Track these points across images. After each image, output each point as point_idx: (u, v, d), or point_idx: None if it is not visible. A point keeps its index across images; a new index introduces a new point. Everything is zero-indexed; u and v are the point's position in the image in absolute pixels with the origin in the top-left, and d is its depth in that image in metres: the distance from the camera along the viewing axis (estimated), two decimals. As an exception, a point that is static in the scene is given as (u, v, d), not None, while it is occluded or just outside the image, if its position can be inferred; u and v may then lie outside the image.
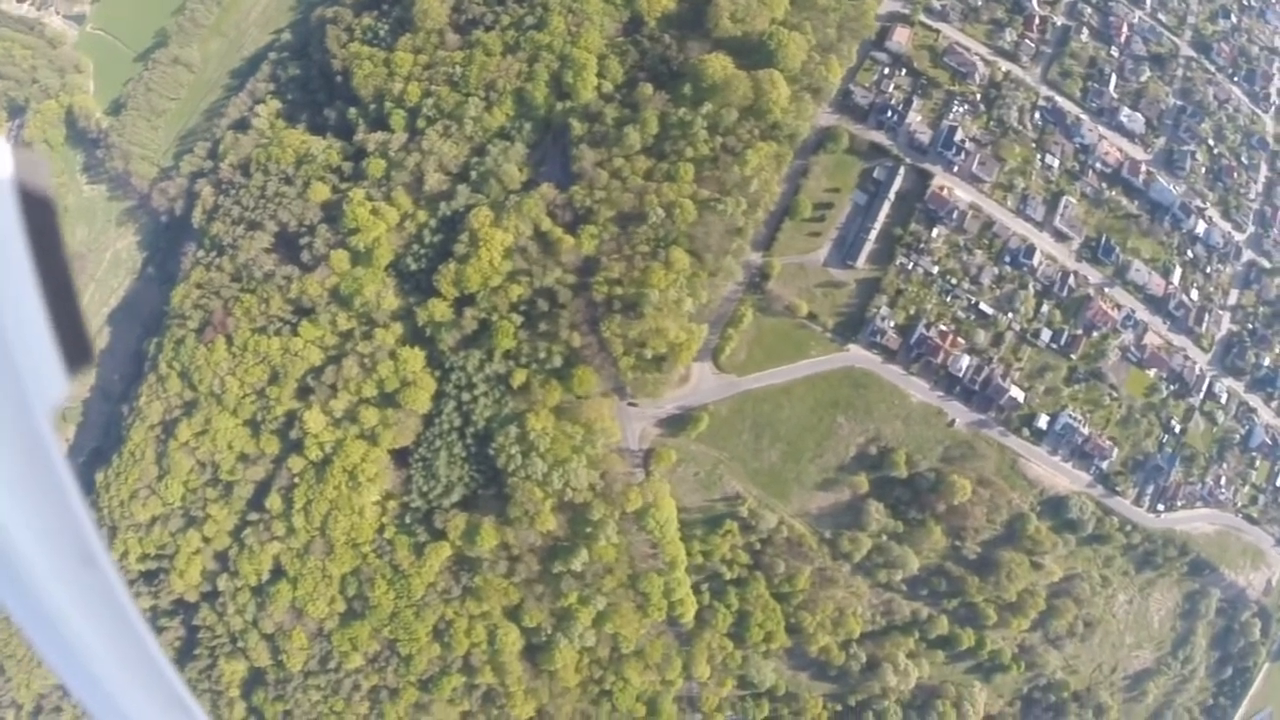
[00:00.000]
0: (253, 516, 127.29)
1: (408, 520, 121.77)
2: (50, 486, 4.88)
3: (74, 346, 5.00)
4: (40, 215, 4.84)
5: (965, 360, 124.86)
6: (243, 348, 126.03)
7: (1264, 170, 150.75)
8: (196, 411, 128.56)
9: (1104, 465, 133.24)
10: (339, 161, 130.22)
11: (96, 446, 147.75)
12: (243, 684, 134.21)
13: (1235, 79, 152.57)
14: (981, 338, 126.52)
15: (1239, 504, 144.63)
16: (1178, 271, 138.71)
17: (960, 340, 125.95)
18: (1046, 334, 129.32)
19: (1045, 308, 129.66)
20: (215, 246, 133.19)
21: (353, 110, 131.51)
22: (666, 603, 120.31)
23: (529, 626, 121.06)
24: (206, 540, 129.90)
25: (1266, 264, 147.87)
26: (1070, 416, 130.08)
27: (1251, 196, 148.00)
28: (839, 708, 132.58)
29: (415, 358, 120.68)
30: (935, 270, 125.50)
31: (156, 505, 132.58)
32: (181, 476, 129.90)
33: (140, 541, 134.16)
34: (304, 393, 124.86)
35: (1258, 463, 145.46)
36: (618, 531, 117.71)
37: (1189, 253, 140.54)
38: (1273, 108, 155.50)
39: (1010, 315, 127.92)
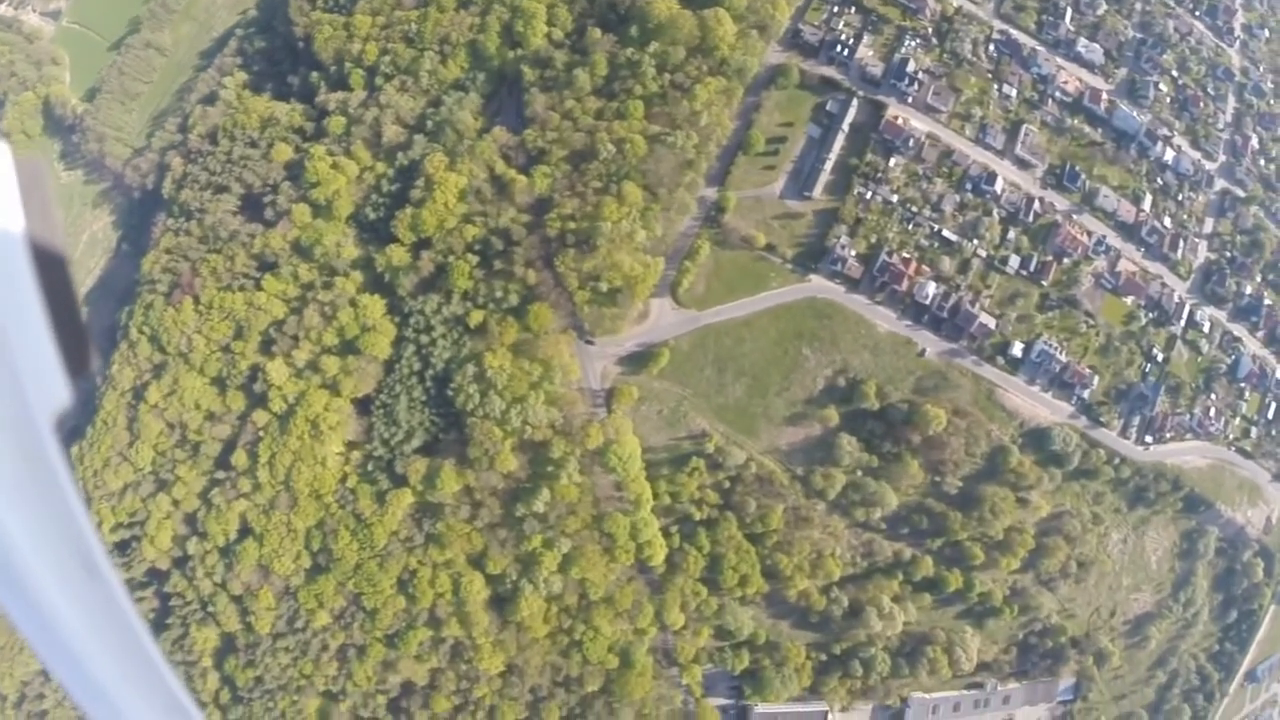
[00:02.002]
0: (220, 475, 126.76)
1: (370, 468, 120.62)
2: (53, 494, 4.91)
3: (74, 352, 5.08)
4: (41, 223, 4.95)
5: (931, 288, 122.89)
6: (209, 306, 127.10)
7: (1232, 101, 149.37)
8: (165, 373, 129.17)
9: (1085, 395, 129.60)
10: (302, 122, 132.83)
11: (74, 425, 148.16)
12: (215, 653, 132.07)
13: (1196, 14, 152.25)
14: (947, 265, 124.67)
15: (1231, 436, 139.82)
16: (1148, 198, 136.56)
17: (925, 268, 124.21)
18: (1015, 260, 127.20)
19: (1011, 234, 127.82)
20: (184, 213, 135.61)
21: (315, 74, 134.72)
22: (634, 544, 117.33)
23: (494, 574, 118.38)
24: (176, 503, 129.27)
25: (1241, 193, 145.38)
26: (1046, 344, 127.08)
27: (1220, 126, 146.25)
28: (823, 657, 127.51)
29: (375, 305, 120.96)
30: (894, 199, 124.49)
31: (128, 472, 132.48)
32: (151, 440, 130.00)
33: (113, 510, 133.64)
34: (268, 347, 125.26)
35: (1247, 394, 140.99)
36: (579, 470, 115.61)
37: (1159, 180, 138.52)
38: (1237, 42, 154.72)
39: (975, 242, 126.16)
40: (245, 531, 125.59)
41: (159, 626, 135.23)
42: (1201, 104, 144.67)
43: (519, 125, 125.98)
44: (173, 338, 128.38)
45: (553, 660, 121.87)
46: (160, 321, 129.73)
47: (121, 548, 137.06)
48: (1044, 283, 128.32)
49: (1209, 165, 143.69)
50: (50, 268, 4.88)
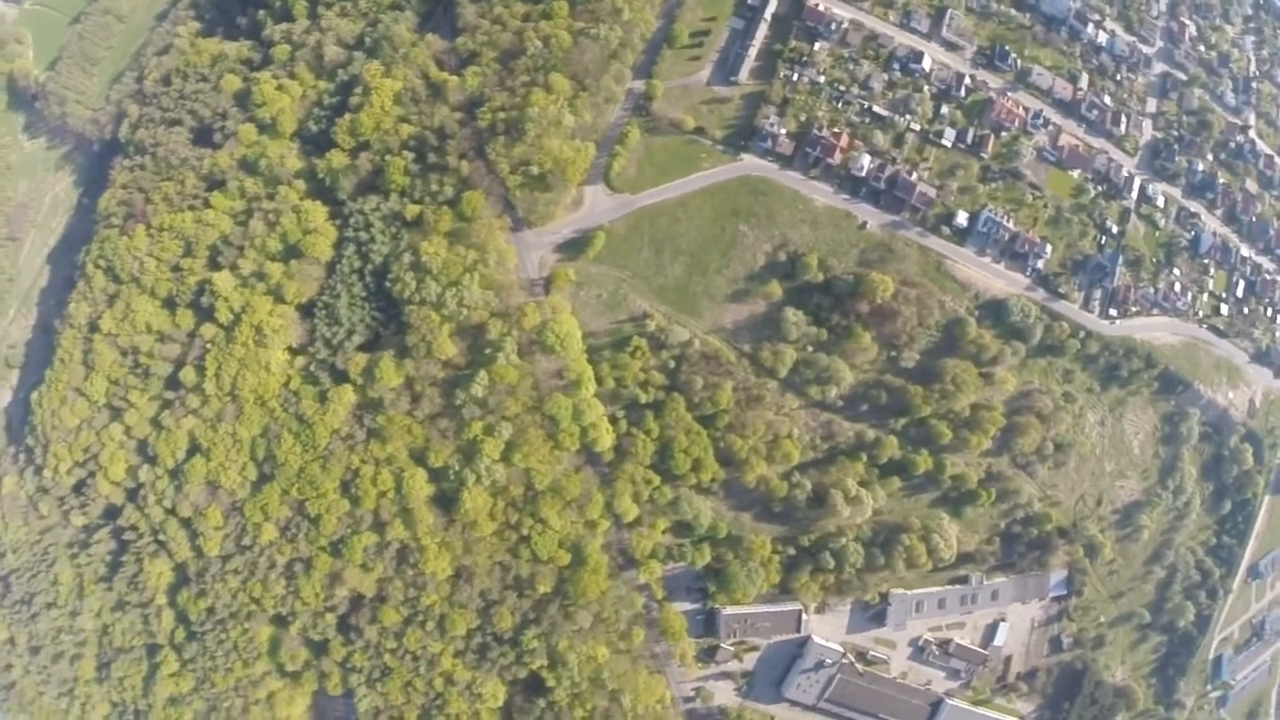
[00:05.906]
0: (169, 396, 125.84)
1: (313, 369, 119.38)
2: None
3: None
4: None
5: (866, 160, 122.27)
6: (160, 228, 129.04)
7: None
8: (118, 300, 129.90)
9: (1040, 265, 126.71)
10: (250, 55, 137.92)
11: (37, 381, 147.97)
12: (169, 589, 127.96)
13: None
14: (880, 139, 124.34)
15: (1200, 313, 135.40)
16: (1085, 78, 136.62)
17: (858, 142, 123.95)
18: (951, 133, 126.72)
19: (945, 109, 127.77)
20: (140, 150, 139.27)
21: (261, 12, 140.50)
22: (578, 428, 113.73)
23: (436, 468, 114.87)
24: (128, 430, 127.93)
25: (1183, 76, 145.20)
26: (992, 214, 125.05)
27: (1155, 14, 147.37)
28: (791, 551, 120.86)
29: (317, 210, 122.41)
30: (821, 80, 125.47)
31: (84, 407, 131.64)
32: (105, 369, 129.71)
33: (69, 449, 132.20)
34: (216, 260, 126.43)
35: (1212, 270, 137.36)
36: (517, 352, 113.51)
37: (1094, 61, 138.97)
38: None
39: (908, 117, 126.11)
40: (194, 450, 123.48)
41: (114, 566, 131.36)
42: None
43: (453, 39, 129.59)
44: (126, 264, 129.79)
45: (502, 560, 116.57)
46: (115, 252, 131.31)
47: (79, 489, 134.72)
48: (983, 155, 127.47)
49: (1146, 49, 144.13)
50: None
